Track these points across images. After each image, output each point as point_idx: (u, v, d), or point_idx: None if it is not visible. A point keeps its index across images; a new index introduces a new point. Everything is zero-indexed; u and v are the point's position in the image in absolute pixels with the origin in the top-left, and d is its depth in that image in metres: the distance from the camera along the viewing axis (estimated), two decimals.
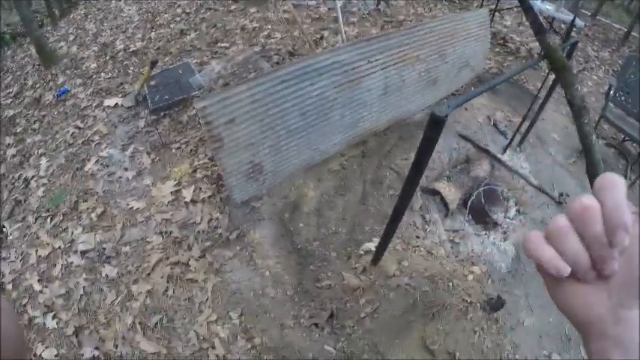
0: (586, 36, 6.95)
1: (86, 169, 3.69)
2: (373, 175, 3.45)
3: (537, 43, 5.81)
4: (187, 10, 5.95)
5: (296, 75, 2.90)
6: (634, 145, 4.54)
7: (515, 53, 5.50)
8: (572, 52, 3.22)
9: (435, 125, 1.80)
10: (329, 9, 5.49)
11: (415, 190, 2.26)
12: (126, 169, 3.56)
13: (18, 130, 4.57)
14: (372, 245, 3.02)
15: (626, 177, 4.31)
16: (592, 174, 2.50)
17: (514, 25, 6.19)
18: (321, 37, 4.69)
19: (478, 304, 2.88)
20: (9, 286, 3.18)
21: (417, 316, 2.72)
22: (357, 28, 5.05)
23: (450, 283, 2.90)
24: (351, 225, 3.19)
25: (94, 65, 4.93)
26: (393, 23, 5.27)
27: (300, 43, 4.40)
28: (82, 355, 2.73)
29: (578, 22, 5.61)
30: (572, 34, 5.34)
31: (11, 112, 4.84)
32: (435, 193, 3.52)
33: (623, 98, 4.22)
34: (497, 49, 5.40)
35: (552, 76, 3.59)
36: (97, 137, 3.92)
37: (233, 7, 5.84)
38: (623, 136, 4.59)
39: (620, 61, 5.90)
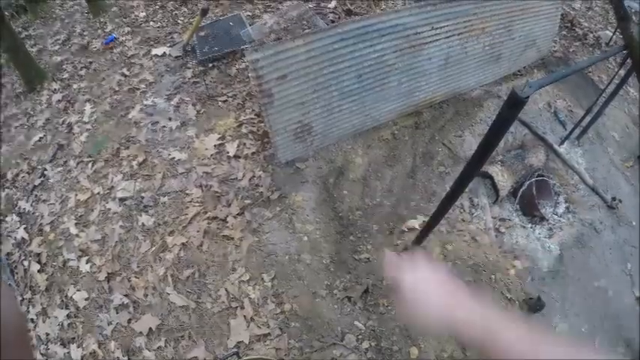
0: None
1: (130, 116, 3.65)
2: (424, 149, 3.26)
3: (606, 32, 5.39)
4: None
5: (356, 34, 2.73)
6: None
7: (582, 39, 5.07)
8: None
9: (514, 105, 1.64)
10: None
11: (478, 172, 2.09)
12: (170, 119, 3.50)
13: (64, 76, 4.58)
14: (416, 223, 2.87)
15: None
16: None
17: (583, 9, 5.71)
18: None
19: (517, 303, 2.73)
20: (47, 228, 3.22)
21: None
22: None
23: (493, 276, 2.75)
24: (397, 198, 3.04)
25: (143, 14, 4.86)
26: None
27: (359, 2, 4.17)
28: (112, 300, 2.75)
29: None
30: None
31: (58, 59, 4.86)
32: (487, 176, 3.31)
33: None
34: (563, 32, 4.99)
35: (622, 71, 3.31)
36: (142, 85, 3.87)
37: None
38: None
39: None
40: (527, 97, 1.63)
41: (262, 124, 3.24)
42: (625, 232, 3.57)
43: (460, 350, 2.54)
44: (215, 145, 3.24)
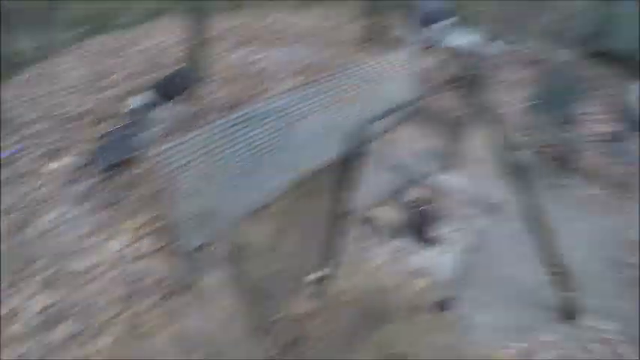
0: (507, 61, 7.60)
1: (34, 231, 3.65)
2: (318, 212, 3.68)
3: None
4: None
5: (241, 120, 3.23)
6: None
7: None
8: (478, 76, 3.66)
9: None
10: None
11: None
12: (76, 228, 3.58)
13: None
14: (320, 274, 3.21)
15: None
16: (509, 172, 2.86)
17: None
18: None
19: (426, 307, 3.07)
20: None
21: (370, 322, 2.91)
22: None
23: (399, 292, 3.13)
24: (302, 258, 3.38)
25: (40, 127, 4.95)
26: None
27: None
28: None
29: (496, 50, 6.43)
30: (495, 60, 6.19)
31: None
32: (375, 219, 3.81)
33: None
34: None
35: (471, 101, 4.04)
36: (45, 198, 3.91)
37: None
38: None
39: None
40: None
41: (166, 222, 3.47)
42: (515, 225, 3.98)
43: None
44: (123, 247, 3.39)
